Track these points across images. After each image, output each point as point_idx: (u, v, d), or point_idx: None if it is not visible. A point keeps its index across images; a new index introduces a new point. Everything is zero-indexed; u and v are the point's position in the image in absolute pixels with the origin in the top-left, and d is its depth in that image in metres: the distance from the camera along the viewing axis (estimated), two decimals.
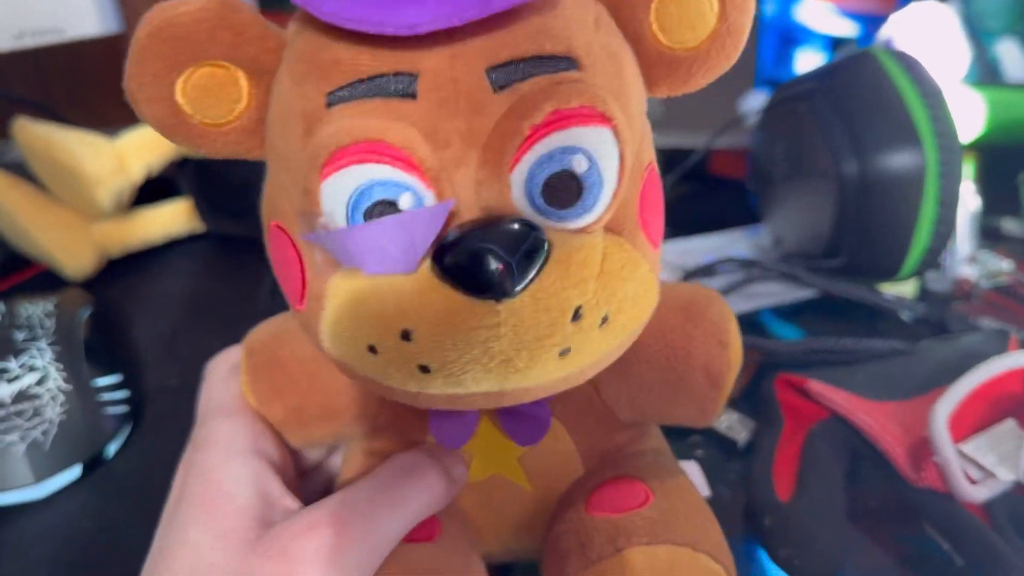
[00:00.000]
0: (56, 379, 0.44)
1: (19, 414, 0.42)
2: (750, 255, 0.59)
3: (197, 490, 0.29)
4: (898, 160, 0.46)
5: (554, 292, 0.22)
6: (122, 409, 0.46)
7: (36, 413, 0.43)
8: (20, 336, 0.46)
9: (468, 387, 0.23)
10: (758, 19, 0.86)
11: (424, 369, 0.22)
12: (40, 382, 0.44)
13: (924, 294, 0.54)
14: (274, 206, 0.26)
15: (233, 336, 0.55)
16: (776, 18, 0.84)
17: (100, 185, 0.58)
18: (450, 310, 0.22)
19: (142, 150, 0.60)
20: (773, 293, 0.54)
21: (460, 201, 0.23)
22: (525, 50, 0.23)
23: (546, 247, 0.22)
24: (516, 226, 0.22)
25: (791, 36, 0.85)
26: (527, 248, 0.22)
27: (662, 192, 0.27)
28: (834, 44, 0.82)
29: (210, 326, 0.57)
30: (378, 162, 0.22)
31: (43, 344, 0.46)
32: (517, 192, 0.22)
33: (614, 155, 0.23)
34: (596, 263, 0.23)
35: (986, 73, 0.68)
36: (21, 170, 0.62)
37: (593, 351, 0.24)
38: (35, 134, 0.58)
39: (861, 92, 0.48)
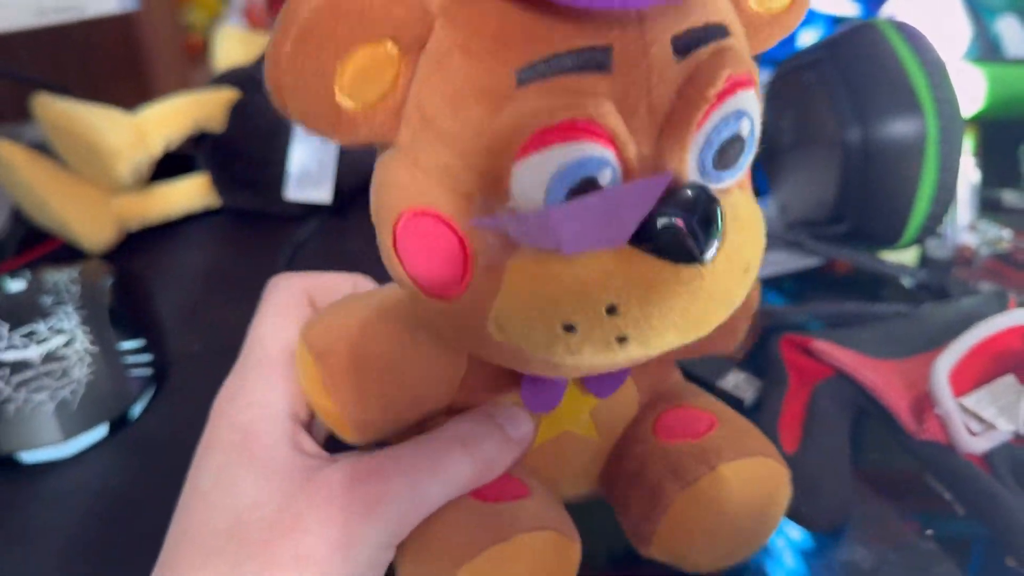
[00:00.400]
0: (83, 341, 0.46)
1: (48, 374, 0.44)
2: None
3: (235, 439, 0.29)
4: (899, 128, 0.47)
5: (737, 250, 0.24)
6: (146, 372, 0.47)
7: (64, 374, 0.44)
8: (48, 300, 0.47)
9: (652, 351, 0.24)
10: None
11: (622, 340, 0.23)
12: (68, 344, 0.45)
13: (925, 261, 0.56)
14: (417, 191, 0.24)
15: (252, 307, 0.56)
16: None
17: (120, 158, 0.59)
18: (659, 278, 0.22)
19: (161, 124, 0.61)
20: (779, 261, 0.56)
21: (641, 170, 0.23)
22: (696, 20, 0.23)
23: (721, 210, 0.23)
24: (700, 192, 0.23)
25: None
26: (713, 214, 0.23)
27: None
28: (835, 24, 0.83)
29: (229, 297, 0.58)
30: (586, 140, 0.21)
31: (69, 308, 0.47)
32: (692, 158, 0.23)
33: (759, 116, 0.24)
34: (749, 220, 0.25)
35: (987, 49, 0.70)
36: (42, 150, 0.63)
37: (741, 297, 0.25)
38: (56, 109, 0.59)
39: (864, 61, 0.49)
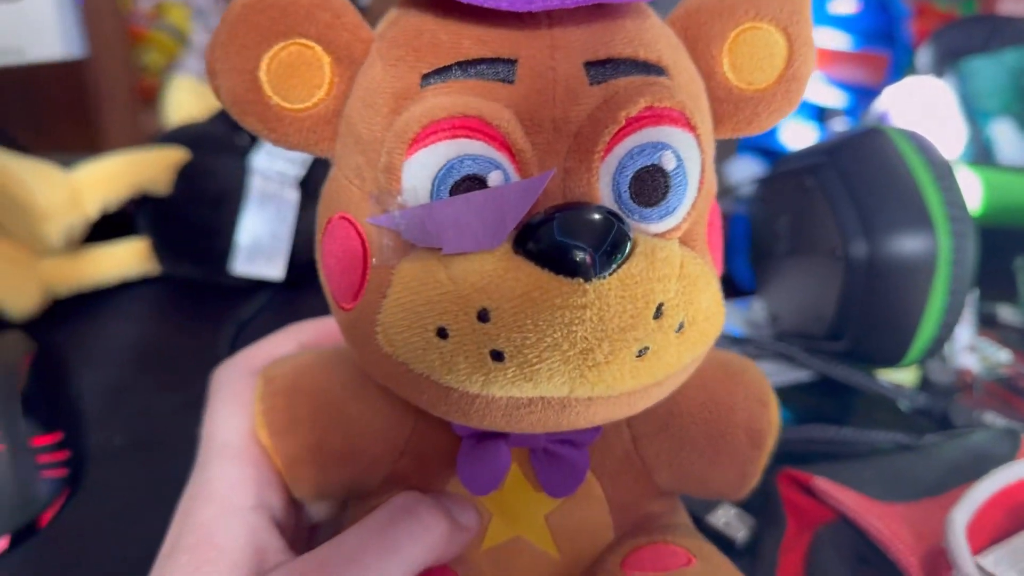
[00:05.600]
0: None
1: None
2: (741, 331, 0.56)
3: (190, 542, 0.28)
4: (910, 244, 0.44)
5: (641, 282, 0.22)
6: (60, 473, 0.42)
7: None
8: None
9: (539, 383, 0.22)
10: None
11: (497, 356, 0.22)
12: None
13: (925, 384, 0.52)
14: (339, 198, 0.25)
15: (187, 390, 0.51)
16: None
17: (51, 221, 0.53)
18: (535, 287, 0.21)
19: (99, 185, 0.56)
20: (767, 374, 0.52)
21: (547, 189, 0.22)
22: (621, 51, 0.23)
23: (632, 239, 0.22)
24: (604, 214, 0.22)
25: None
26: (615, 237, 0.21)
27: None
28: (821, 113, 0.81)
29: (162, 379, 0.53)
30: (472, 137, 0.22)
31: None
32: (604, 185, 0.23)
33: (697, 162, 0.24)
34: (677, 264, 0.23)
35: (980, 153, 0.67)
36: None
37: (669, 358, 0.23)
38: None
39: (872, 170, 0.46)
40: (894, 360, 0.48)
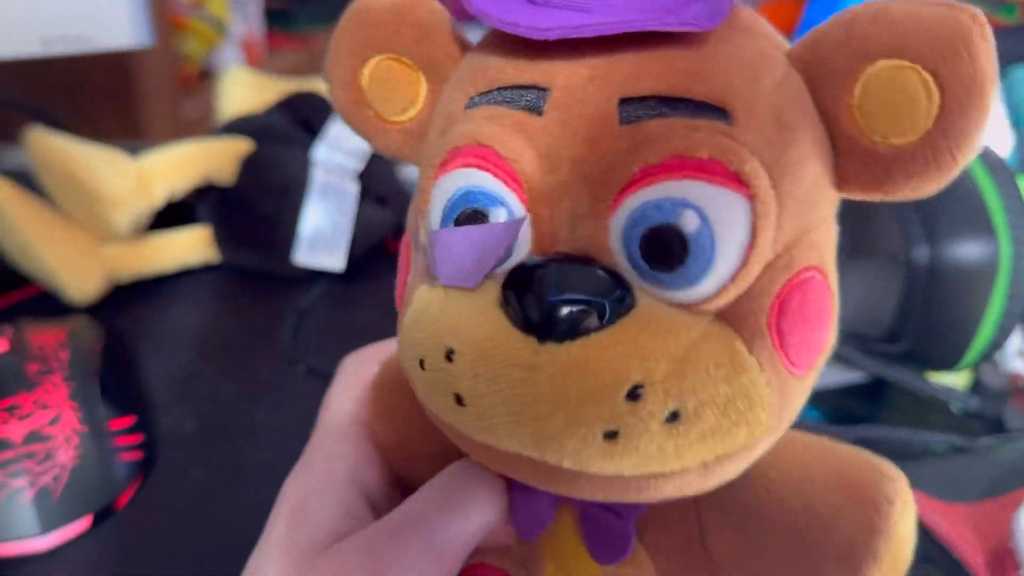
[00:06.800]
0: (71, 419, 0.41)
1: (30, 456, 0.39)
2: None
3: (286, 510, 0.29)
4: (972, 250, 0.45)
5: (611, 356, 0.19)
6: (135, 455, 0.43)
7: (48, 456, 0.39)
8: (34, 369, 0.42)
9: (500, 438, 0.20)
10: None
11: (459, 400, 0.21)
12: (53, 422, 0.40)
13: (978, 387, 0.53)
14: (411, 211, 0.25)
15: (249, 377, 0.52)
16: None
17: (119, 208, 0.54)
18: (492, 337, 0.20)
19: (167, 173, 0.57)
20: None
21: (555, 235, 0.21)
22: (668, 87, 0.20)
23: (626, 303, 0.19)
24: (599, 271, 0.20)
25: None
26: (603, 298, 0.19)
27: (829, 314, 0.23)
28: None
29: (225, 367, 0.53)
30: (482, 168, 0.21)
31: (58, 379, 0.42)
32: (615, 238, 0.20)
33: (741, 226, 0.19)
34: (680, 344, 0.19)
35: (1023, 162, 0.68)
36: (24, 178, 0.58)
37: (651, 450, 0.19)
38: (51, 146, 0.55)
39: None
40: (951, 363, 0.48)
